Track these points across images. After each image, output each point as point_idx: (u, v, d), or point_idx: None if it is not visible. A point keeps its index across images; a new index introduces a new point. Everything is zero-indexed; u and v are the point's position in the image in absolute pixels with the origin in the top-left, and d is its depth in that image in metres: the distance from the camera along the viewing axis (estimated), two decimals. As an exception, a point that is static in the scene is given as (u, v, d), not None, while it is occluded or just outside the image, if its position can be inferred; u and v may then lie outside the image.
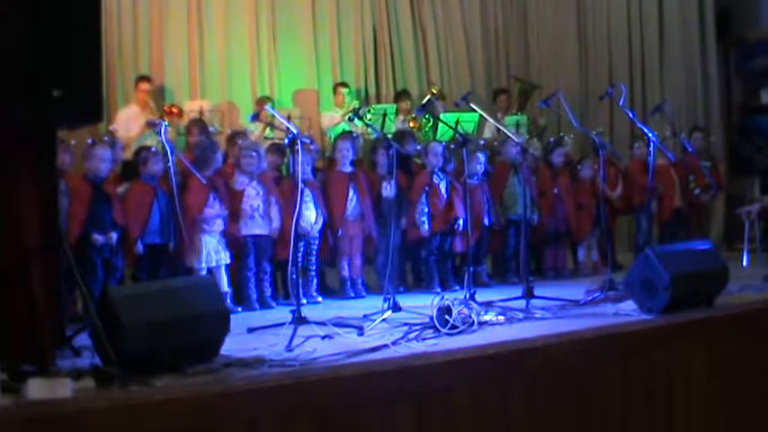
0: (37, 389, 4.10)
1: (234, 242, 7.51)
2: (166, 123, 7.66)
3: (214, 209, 7.35)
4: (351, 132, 8.92)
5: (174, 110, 9.26)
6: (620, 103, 8.67)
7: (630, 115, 8.65)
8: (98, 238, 6.87)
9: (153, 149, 7.49)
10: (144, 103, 9.68)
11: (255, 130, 9.37)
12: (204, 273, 7.23)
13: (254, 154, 7.64)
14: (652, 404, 5.68)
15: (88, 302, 4.84)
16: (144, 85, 9.81)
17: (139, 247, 7.17)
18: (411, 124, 10.25)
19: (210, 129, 8.93)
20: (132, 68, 10.43)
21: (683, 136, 10.29)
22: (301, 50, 11.50)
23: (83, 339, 5.09)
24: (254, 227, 7.60)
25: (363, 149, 9.08)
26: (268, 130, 9.36)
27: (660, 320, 6.15)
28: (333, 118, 10.54)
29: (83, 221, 6.83)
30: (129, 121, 9.35)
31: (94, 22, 4.73)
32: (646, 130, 8.28)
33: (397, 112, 10.42)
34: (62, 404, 4.04)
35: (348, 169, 8.24)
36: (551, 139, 10.04)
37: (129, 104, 9.95)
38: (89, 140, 7.34)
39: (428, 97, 10.72)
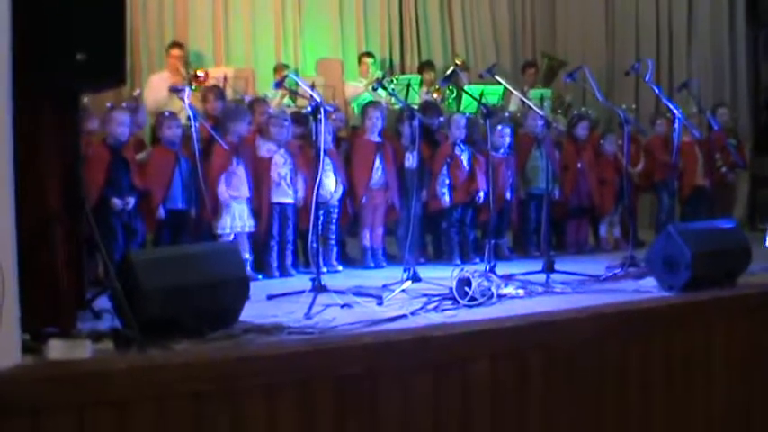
0: (57, 349, 4.13)
1: (257, 209, 7.51)
2: (192, 88, 7.64)
3: (236, 175, 7.35)
4: (379, 102, 8.88)
5: (200, 73, 9.21)
6: (646, 79, 8.58)
7: (656, 91, 8.57)
8: (116, 202, 6.88)
9: (167, 114, 7.49)
10: (175, 69, 9.66)
11: (274, 97, 9.34)
12: (230, 238, 7.24)
13: (284, 122, 7.64)
14: (671, 381, 5.66)
15: (108, 266, 4.86)
16: (175, 51, 9.77)
17: (161, 212, 7.19)
18: (435, 95, 10.20)
19: (239, 96, 8.91)
20: (157, 35, 10.46)
21: (708, 113, 10.20)
22: (326, 19, 11.49)
23: (102, 303, 5.12)
24: (281, 195, 7.60)
25: (387, 120, 9.06)
26: (287, 98, 9.33)
27: (681, 298, 6.11)
28: (356, 88, 10.50)
29: (101, 186, 6.84)
30: (159, 88, 9.32)
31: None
32: (671, 107, 8.21)
33: (421, 83, 10.38)
34: (81, 364, 4.07)
35: (376, 138, 8.21)
36: (575, 113, 9.98)
37: (156, 71, 9.93)
38: (108, 105, 7.35)
39: (452, 68, 10.67)
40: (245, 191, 7.42)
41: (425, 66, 11.17)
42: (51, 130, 4.70)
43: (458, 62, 11.02)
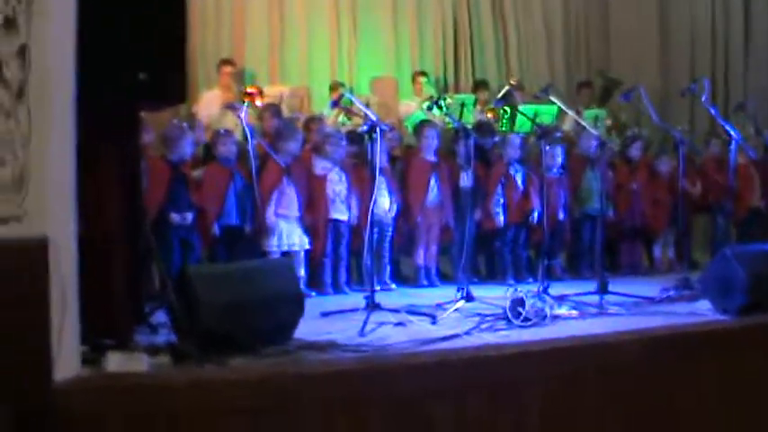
0: (115, 362, 4.19)
1: (312, 227, 7.56)
2: (246, 105, 7.72)
3: (285, 194, 7.40)
4: (433, 121, 8.90)
5: (255, 90, 9.29)
6: (703, 99, 8.52)
7: (713, 112, 8.50)
8: (174, 217, 6.98)
9: (222, 131, 7.58)
10: (226, 86, 9.76)
11: (330, 115, 9.41)
12: (278, 255, 7.29)
13: (340, 140, 7.70)
14: (725, 406, 5.59)
15: (166, 280, 4.92)
16: (227, 68, 9.88)
17: (215, 229, 7.27)
18: (488, 115, 10.19)
19: (294, 115, 8.99)
20: (214, 51, 10.54)
21: (766, 135, 10.09)
22: (381, 38, 11.53)
23: (160, 317, 5.19)
24: (336, 212, 7.66)
25: (441, 139, 9.08)
26: (342, 116, 9.39)
27: (737, 322, 6.05)
28: (410, 106, 10.52)
29: (162, 201, 6.93)
30: (210, 104, 9.43)
31: (180, 5, 4.79)
32: (728, 128, 8.14)
33: (475, 103, 10.39)
34: (138, 377, 4.13)
35: (432, 158, 8.24)
36: (629, 133, 9.94)
37: (211, 87, 10.04)
38: (184, 124, 7.45)
39: (507, 88, 10.66)
40: (294, 210, 7.47)
41: (480, 85, 11.17)
42: (112, 146, 4.78)
43: (512, 82, 10.98)
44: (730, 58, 12.90)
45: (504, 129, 9.66)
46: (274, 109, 8.74)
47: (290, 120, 8.70)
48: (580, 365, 5.15)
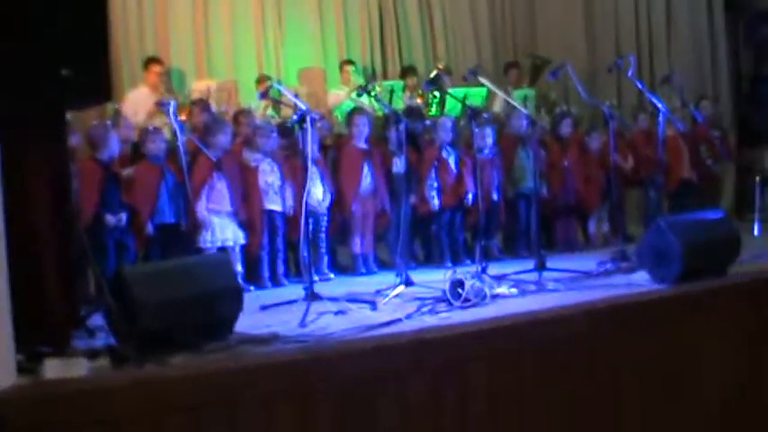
0: (53, 368, 4.12)
1: (247, 220, 7.50)
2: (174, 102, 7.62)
3: (216, 189, 7.35)
4: (364, 109, 8.88)
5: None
6: (629, 75, 8.62)
7: (640, 86, 8.60)
8: (110, 218, 6.87)
9: (151, 129, 7.47)
10: (154, 85, 9.65)
11: (258, 108, 9.33)
12: (213, 251, 7.23)
13: (270, 132, 7.65)
14: (667, 372, 5.67)
15: (102, 282, 4.85)
16: (156, 67, 9.74)
17: (149, 229, 7.18)
18: (418, 100, 10.21)
19: (222, 108, 8.91)
20: (138, 49, 10.40)
21: (692, 106, 10.25)
22: (307, 28, 11.48)
23: (96, 320, 5.12)
24: (270, 202, 7.60)
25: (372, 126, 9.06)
26: (270, 109, 9.33)
27: (674, 290, 6.14)
28: (339, 96, 10.50)
29: (96, 203, 6.82)
30: (137, 103, 9.29)
31: (101, 1, 4.72)
32: (655, 101, 8.22)
33: (404, 89, 10.39)
34: (79, 382, 4.06)
35: (363, 145, 8.21)
36: (557, 111, 10.02)
37: (137, 86, 9.91)
38: (108, 122, 7.34)
39: (435, 72, 10.67)
40: (226, 204, 7.39)
41: (408, 71, 11.17)
42: (38, 148, 4.69)
43: (440, 67, 11.01)
44: (654, 34, 13.05)
45: (434, 113, 9.69)
46: (203, 104, 8.64)
47: (218, 114, 8.62)
48: (523, 342, 5.19)
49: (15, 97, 4.25)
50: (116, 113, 8.37)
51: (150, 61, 9.85)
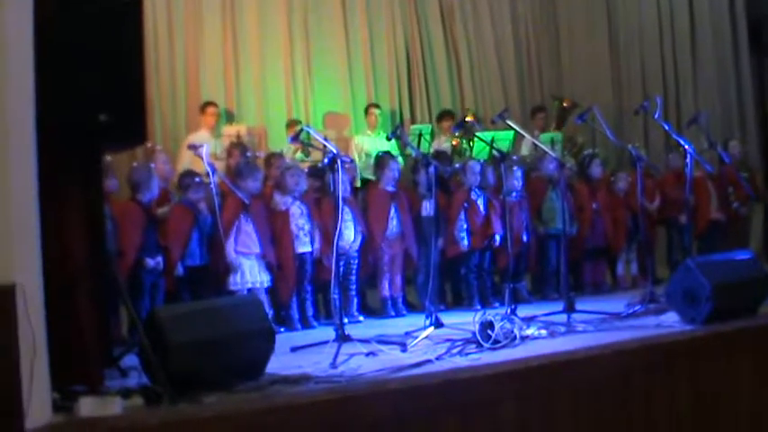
0: (88, 407, 4.17)
1: (278, 263, 7.53)
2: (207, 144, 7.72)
3: (244, 232, 7.40)
4: (391, 153, 8.93)
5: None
6: (656, 116, 8.63)
7: (666, 128, 8.61)
8: (149, 262, 6.93)
9: (197, 179, 7.50)
10: (212, 127, 9.83)
11: (288, 152, 9.42)
12: (243, 293, 7.27)
13: (299, 175, 7.71)
14: (699, 413, 5.64)
15: (137, 323, 4.90)
16: (212, 109, 10.00)
17: (179, 270, 7.23)
18: (454, 143, 10.26)
19: (254, 153, 9.01)
20: (169, 95, 10.55)
21: (719, 147, 10.23)
22: (335, 76, 11.58)
23: (128, 361, 5.17)
24: (300, 246, 7.65)
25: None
26: (299, 152, 9.42)
27: (704, 330, 6.12)
28: (363, 141, 10.59)
29: (138, 247, 6.90)
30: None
31: (138, 48, 4.82)
32: (682, 142, 8.22)
33: (432, 133, 10.44)
34: (114, 420, 4.10)
35: (391, 188, 8.27)
36: (586, 153, 10.03)
37: (173, 130, 10.03)
38: (151, 165, 7.42)
39: (465, 119, 10.70)
40: (254, 247, 7.44)
41: (445, 114, 11.16)
42: (76, 189, 4.78)
43: (469, 118, 11.00)
44: (680, 75, 13.08)
45: (465, 155, 9.73)
46: (242, 147, 8.79)
47: (249, 159, 8.70)
48: (552, 383, 5.18)
49: (56, 140, 4.33)
50: (147, 156, 8.45)
51: (207, 105, 10.09)
